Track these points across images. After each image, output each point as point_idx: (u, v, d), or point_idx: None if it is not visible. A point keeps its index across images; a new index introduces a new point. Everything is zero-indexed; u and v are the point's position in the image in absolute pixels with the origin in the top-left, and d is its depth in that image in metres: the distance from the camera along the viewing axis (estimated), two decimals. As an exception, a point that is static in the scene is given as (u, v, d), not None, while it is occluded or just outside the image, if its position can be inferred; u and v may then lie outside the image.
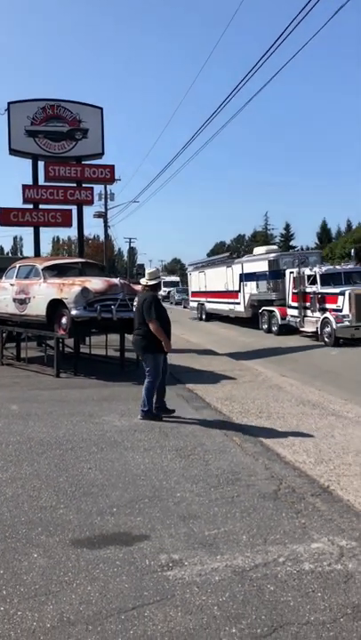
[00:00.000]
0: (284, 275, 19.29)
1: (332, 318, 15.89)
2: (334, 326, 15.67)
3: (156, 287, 7.63)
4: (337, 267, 19.18)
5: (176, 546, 3.69)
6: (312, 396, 8.83)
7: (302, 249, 47.33)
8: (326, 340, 16.16)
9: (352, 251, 21.31)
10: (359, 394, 9.32)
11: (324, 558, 3.49)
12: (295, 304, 18.12)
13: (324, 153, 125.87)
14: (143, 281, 7.60)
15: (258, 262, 21.60)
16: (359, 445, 5.98)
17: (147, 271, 7.71)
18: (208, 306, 27.15)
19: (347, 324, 15.60)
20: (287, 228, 76.60)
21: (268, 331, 20.04)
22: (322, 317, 16.43)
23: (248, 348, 16.03)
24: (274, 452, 5.76)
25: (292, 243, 71.32)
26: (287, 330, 18.78)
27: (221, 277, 24.80)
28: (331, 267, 18.99)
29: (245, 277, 22.30)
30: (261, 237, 76.81)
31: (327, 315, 16.22)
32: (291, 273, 18.71)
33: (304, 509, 4.26)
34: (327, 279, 17.19)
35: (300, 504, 4.37)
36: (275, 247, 25.60)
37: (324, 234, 71.29)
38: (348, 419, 7.30)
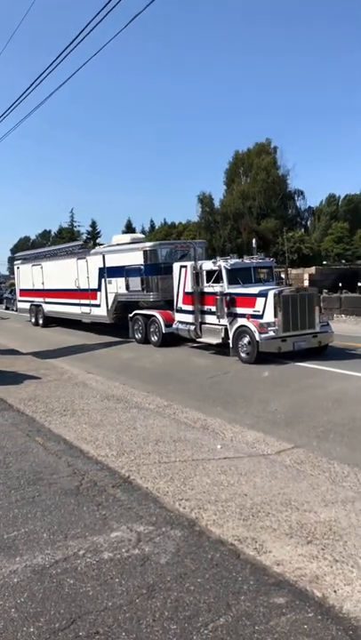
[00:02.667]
0: (165, 269, 15.42)
1: (253, 327, 12.04)
2: (257, 338, 11.88)
3: None
4: (246, 260, 14.57)
5: (-28, 554, 3.55)
6: (117, 391, 9.06)
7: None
8: (243, 355, 12.30)
9: (253, 241, 18.14)
10: (159, 385, 9.83)
11: (122, 545, 3.64)
12: (189, 307, 14.29)
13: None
14: None
15: (128, 253, 16.84)
16: (159, 434, 6.32)
17: None
18: (48, 308, 22.12)
19: (272, 334, 11.92)
20: (93, 225, 77.18)
21: (145, 341, 15.79)
22: (237, 326, 12.56)
23: (54, 347, 15.82)
24: (77, 449, 5.81)
25: (99, 240, 71.99)
26: (172, 339, 14.96)
27: (70, 272, 19.94)
28: (239, 260, 14.43)
29: (109, 272, 17.65)
30: (67, 234, 76.12)
31: (245, 322, 12.33)
32: (182, 267, 14.65)
33: (105, 501, 4.39)
34: (233, 276, 13.46)
35: (102, 496, 4.49)
36: (141, 236, 20.55)
37: (129, 232, 73.13)
38: (149, 410, 7.65)
